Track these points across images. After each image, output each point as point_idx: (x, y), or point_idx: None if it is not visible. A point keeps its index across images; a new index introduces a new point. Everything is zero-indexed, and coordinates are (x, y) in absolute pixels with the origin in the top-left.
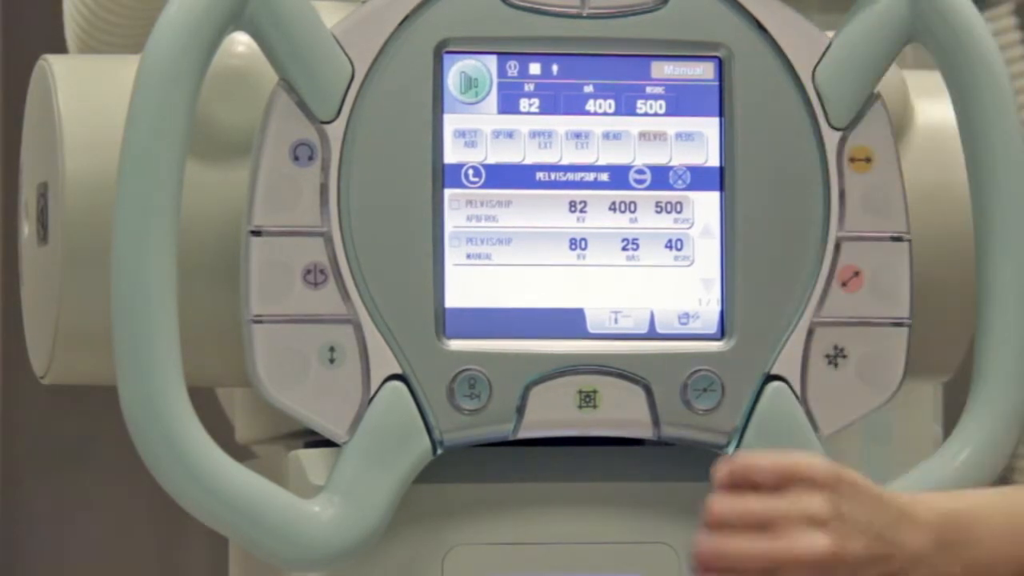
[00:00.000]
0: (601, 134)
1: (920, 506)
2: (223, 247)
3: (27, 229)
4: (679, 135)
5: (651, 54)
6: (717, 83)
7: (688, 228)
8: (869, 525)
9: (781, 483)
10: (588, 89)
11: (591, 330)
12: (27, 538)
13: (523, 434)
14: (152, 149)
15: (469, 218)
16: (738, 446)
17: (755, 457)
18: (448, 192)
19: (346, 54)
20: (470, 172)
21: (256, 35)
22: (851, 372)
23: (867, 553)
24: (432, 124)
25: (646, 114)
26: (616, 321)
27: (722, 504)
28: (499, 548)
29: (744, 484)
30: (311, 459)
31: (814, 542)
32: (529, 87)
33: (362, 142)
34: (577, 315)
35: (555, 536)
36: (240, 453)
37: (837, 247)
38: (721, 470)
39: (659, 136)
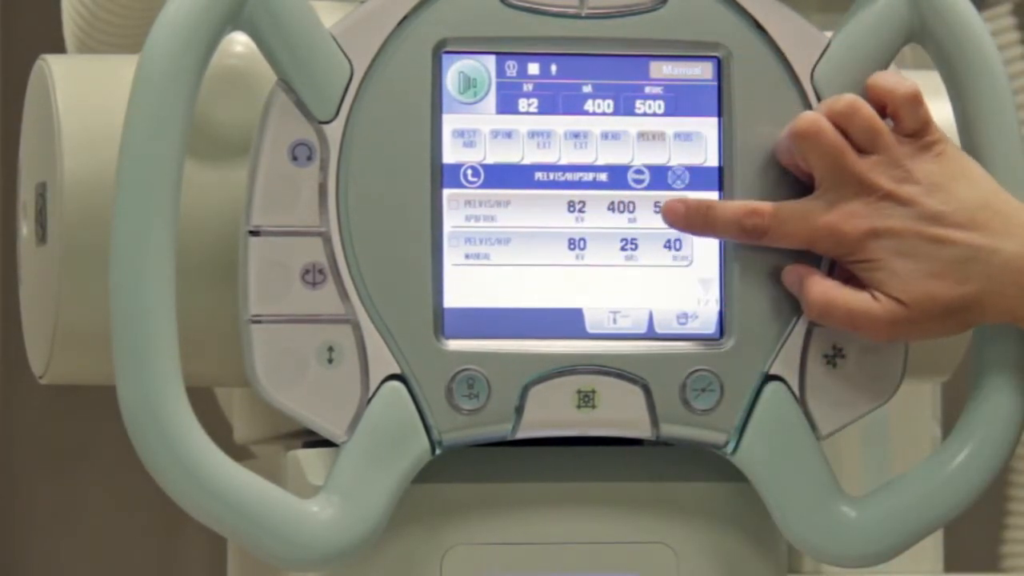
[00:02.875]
0: (600, 134)
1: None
2: (222, 247)
3: (25, 229)
4: (678, 135)
5: (650, 54)
6: (716, 83)
7: None
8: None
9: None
10: (587, 89)
11: (590, 330)
12: (26, 538)
13: (522, 434)
14: (151, 149)
15: (468, 218)
16: (736, 446)
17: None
18: (447, 192)
19: (345, 54)
20: (469, 172)
21: (254, 35)
22: (850, 372)
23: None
24: (431, 124)
25: (645, 114)
26: (615, 321)
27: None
28: (498, 548)
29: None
30: (309, 459)
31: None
32: (528, 87)
33: (361, 142)
34: (576, 315)
35: (554, 536)
36: (238, 453)
37: None
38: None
39: (658, 136)
